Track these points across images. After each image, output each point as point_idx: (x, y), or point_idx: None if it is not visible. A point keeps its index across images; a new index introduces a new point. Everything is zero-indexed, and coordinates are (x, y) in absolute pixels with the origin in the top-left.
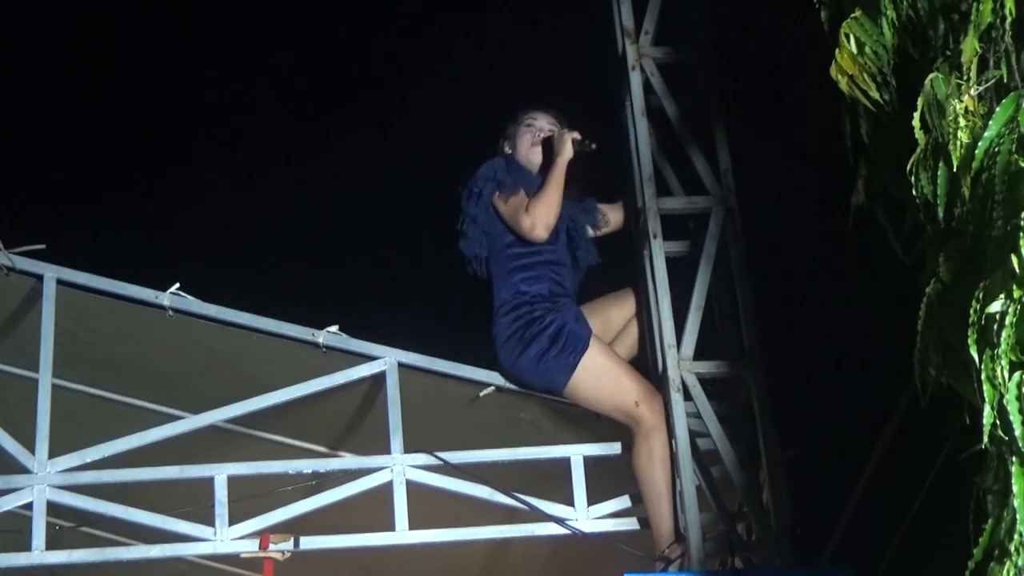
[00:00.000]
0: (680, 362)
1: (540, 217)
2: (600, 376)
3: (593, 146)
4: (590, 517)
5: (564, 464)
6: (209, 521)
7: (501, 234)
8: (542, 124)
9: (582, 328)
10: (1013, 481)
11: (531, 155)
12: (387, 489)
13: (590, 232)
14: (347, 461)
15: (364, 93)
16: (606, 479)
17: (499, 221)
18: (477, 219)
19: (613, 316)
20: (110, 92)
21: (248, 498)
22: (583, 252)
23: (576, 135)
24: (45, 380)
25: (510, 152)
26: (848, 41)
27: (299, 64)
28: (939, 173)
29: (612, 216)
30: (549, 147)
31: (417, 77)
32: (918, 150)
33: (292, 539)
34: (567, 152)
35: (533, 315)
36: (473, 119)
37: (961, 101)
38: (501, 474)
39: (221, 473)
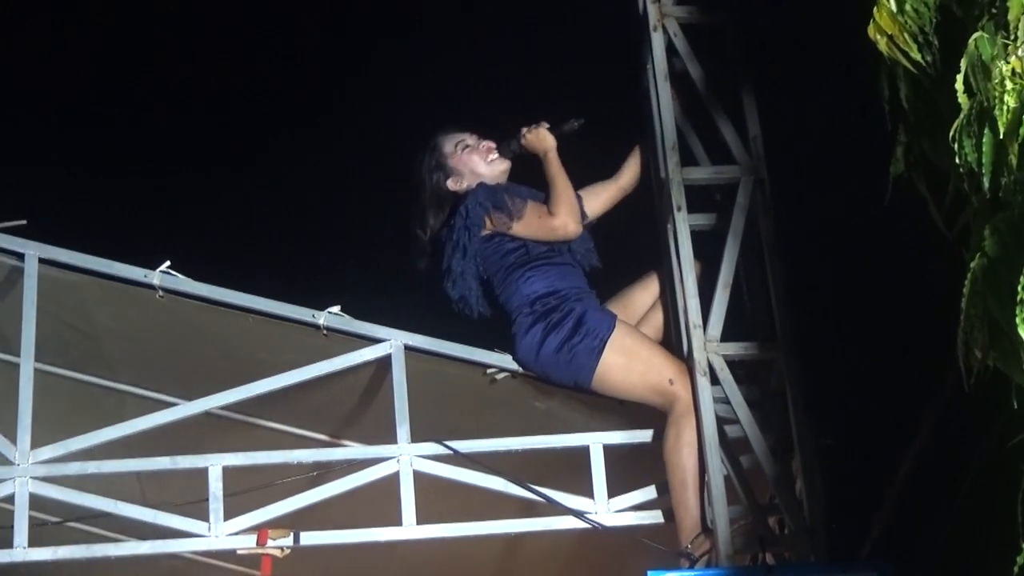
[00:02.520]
0: (706, 343)
1: (567, 213)
2: (631, 356)
3: (581, 120)
4: (611, 510)
5: (583, 453)
6: (203, 515)
7: (496, 254)
8: (470, 140)
9: (606, 313)
10: None
11: (493, 169)
12: (393, 481)
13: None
14: (350, 451)
15: (365, 63)
16: (628, 469)
17: (490, 243)
18: (467, 255)
19: (636, 298)
20: (96, 64)
21: (245, 490)
22: (582, 253)
23: (545, 124)
24: (27, 365)
25: (458, 185)
26: None
27: (300, 34)
28: (984, 140)
29: (594, 200)
30: (505, 155)
31: (420, 43)
32: (961, 115)
33: (292, 534)
34: (551, 144)
35: (550, 305)
36: (481, 87)
37: (1008, 62)
38: (515, 464)
39: (216, 464)
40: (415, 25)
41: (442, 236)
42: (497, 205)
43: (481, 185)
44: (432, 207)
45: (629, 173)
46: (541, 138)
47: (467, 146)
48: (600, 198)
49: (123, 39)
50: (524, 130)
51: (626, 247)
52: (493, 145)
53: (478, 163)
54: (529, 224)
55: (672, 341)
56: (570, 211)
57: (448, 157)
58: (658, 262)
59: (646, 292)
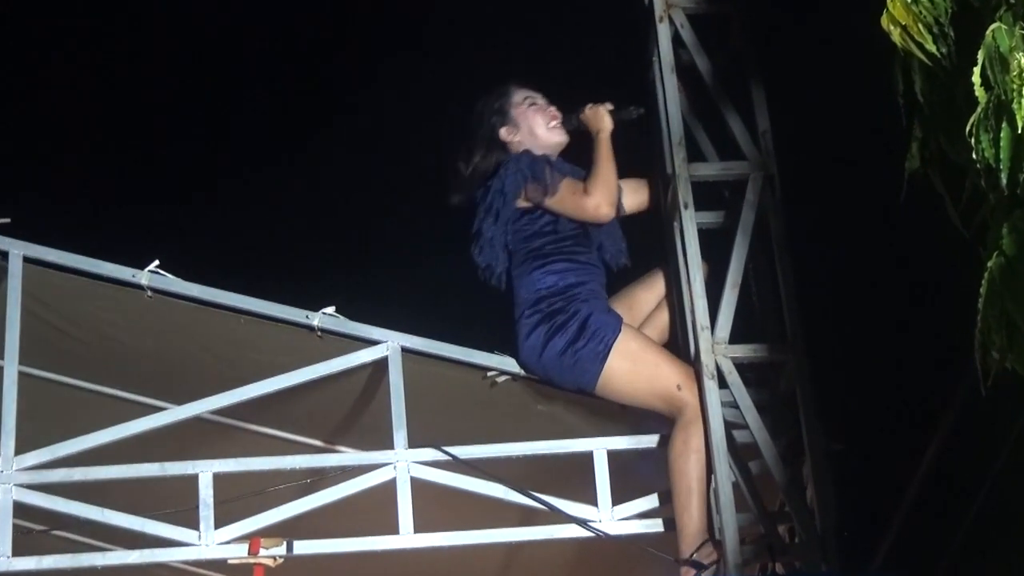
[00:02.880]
0: (714, 346)
1: (603, 195)
2: (636, 361)
3: (641, 110)
4: (615, 518)
5: (586, 459)
6: (193, 523)
7: (523, 232)
8: (540, 100)
9: (612, 316)
10: None
11: (551, 137)
12: (390, 487)
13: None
14: (345, 457)
15: (363, 64)
16: (633, 476)
17: (522, 220)
18: (498, 221)
19: (640, 298)
20: (85, 57)
21: (236, 498)
22: (612, 253)
23: (609, 105)
24: (11, 368)
25: (512, 136)
26: None
27: (296, 30)
28: (1002, 135)
29: (630, 197)
30: (566, 128)
31: (417, 40)
32: (979, 109)
33: (285, 543)
34: (607, 126)
35: (555, 306)
36: (480, 82)
37: None
38: (516, 470)
39: (206, 470)
40: (413, 26)
41: (476, 197)
42: (536, 176)
43: (526, 152)
44: (481, 147)
45: None
46: (599, 117)
47: (535, 104)
48: (638, 194)
49: (112, 33)
50: (588, 105)
51: (630, 246)
52: (559, 114)
53: (539, 124)
54: (563, 199)
55: (679, 343)
56: (606, 193)
57: (513, 106)
58: (663, 261)
59: (650, 292)
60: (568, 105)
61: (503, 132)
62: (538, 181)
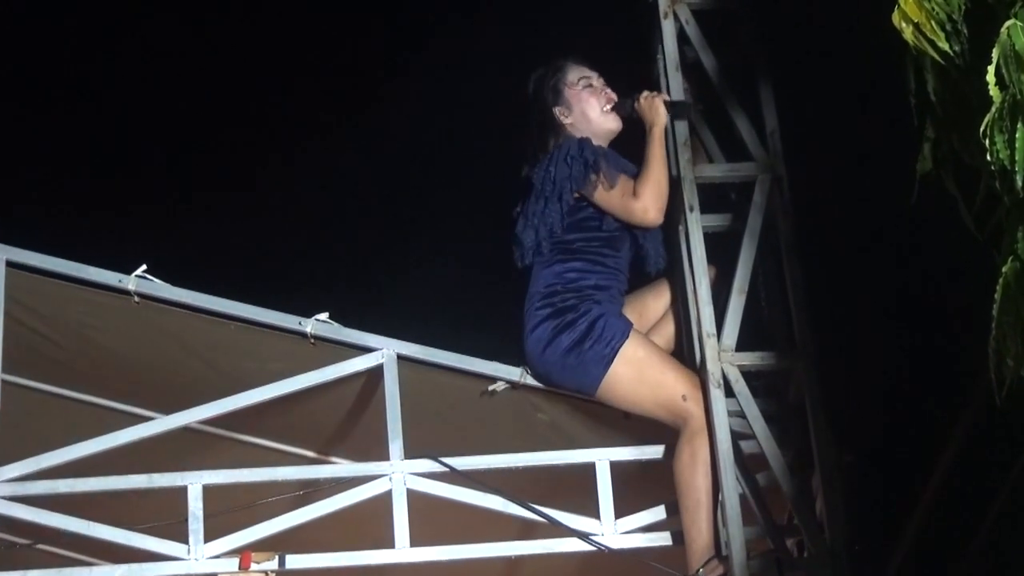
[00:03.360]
0: (721, 353)
1: (652, 200)
2: (642, 369)
3: (696, 107)
4: (618, 531)
5: (588, 470)
6: (182, 537)
7: (567, 221)
8: (596, 82)
9: (622, 320)
10: None
11: (605, 122)
12: (385, 499)
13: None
14: (339, 468)
15: (359, 69)
16: (636, 487)
17: (570, 212)
18: (548, 208)
19: (649, 305)
20: (74, 60)
21: (227, 510)
22: (654, 257)
23: (665, 96)
24: None
25: (566, 118)
26: None
27: (291, 39)
28: (1017, 135)
29: None
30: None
31: (416, 45)
32: (993, 109)
33: (277, 557)
34: (662, 119)
35: (568, 303)
36: (479, 90)
37: None
38: (516, 482)
39: (196, 482)
40: (412, 30)
41: (532, 175)
42: (593, 167)
43: (582, 140)
44: (535, 126)
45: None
46: (655, 108)
47: (590, 85)
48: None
49: (101, 35)
50: (645, 93)
51: None
52: (615, 97)
53: (593, 107)
54: (612, 198)
55: (684, 350)
56: (656, 197)
57: (568, 86)
58: (669, 266)
59: (659, 299)
60: (624, 89)
61: (557, 112)
62: (595, 173)
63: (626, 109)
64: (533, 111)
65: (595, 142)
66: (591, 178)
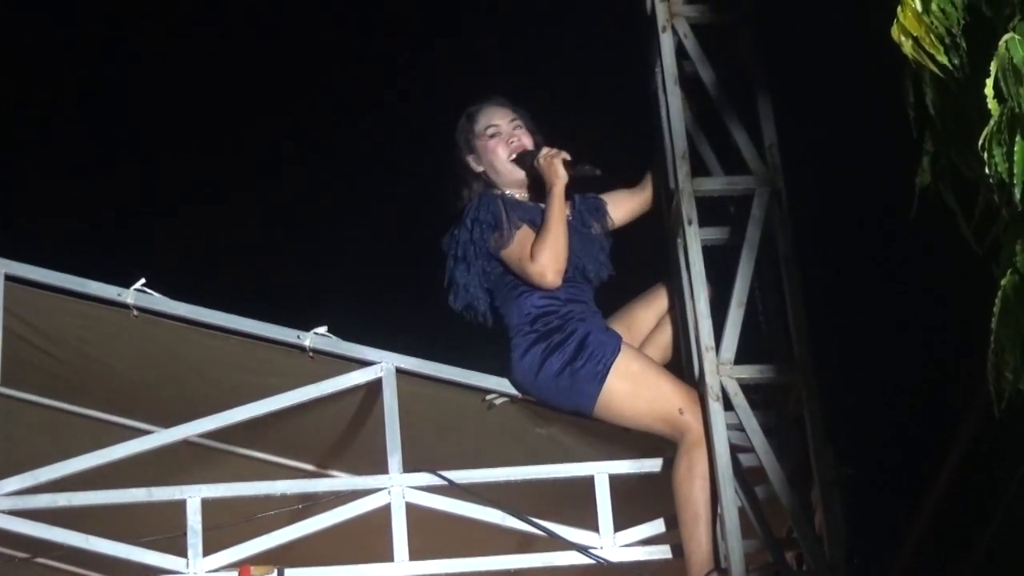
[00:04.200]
0: (719, 366)
1: (548, 263)
2: (637, 382)
3: (597, 172)
4: (617, 544)
5: (587, 483)
6: (181, 551)
7: (498, 268)
8: (504, 128)
9: (610, 335)
10: None
11: (512, 172)
12: (384, 513)
13: (599, 232)
14: (338, 482)
15: (359, 80)
16: (636, 501)
17: (494, 260)
18: (470, 268)
19: (639, 316)
20: (72, 71)
21: (226, 524)
22: (595, 269)
23: (565, 155)
24: None
25: (479, 168)
26: None
27: (291, 45)
28: (1016, 148)
29: (619, 208)
30: (526, 164)
31: (414, 62)
32: (991, 122)
33: (276, 571)
34: (561, 180)
35: (551, 325)
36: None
37: None
38: (515, 495)
39: (195, 496)
40: (411, 37)
41: (444, 245)
42: (495, 227)
43: (485, 195)
44: (456, 178)
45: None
46: (553, 169)
47: (497, 133)
48: (624, 207)
49: (99, 45)
50: (544, 151)
51: (630, 263)
52: (525, 144)
53: (498, 157)
54: (511, 259)
55: (682, 364)
56: (552, 259)
57: (476, 136)
58: (665, 278)
59: (650, 310)
60: (550, 128)
61: (469, 161)
62: (496, 232)
63: (526, 163)
64: (451, 160)
65: (509, 190)
66: (492, 239)
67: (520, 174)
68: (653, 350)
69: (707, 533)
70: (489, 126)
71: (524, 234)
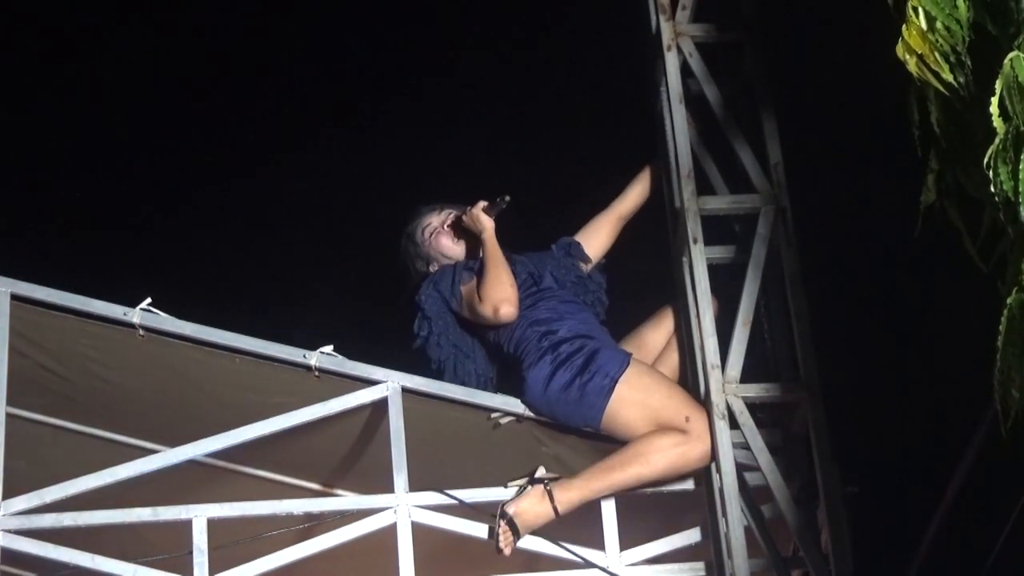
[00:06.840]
0: (725, 385)
1: (494, 297)
2: (646, 396)
3: (506, 199)
4: (623, 563)
5: (593, 502)
6: (187, 570)
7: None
8: (435, 222)
9: (620, 351)
10: None
11: (459, 249)
12: (390, 532)
13: (584, 269)
14: (344, 501)
15: (363, 94)
16: (641, 519)
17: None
18: (446, 342)
19: (648, 338)
20: (73, 93)
21: (231, 544)
22: (591, 303)
23: (482, 203)
24: None
25: (432, 267)
26: (917, 15)
27: (293, 59)
28: (1021, 167)
29: (594, 239)
30: (464, 231)
31: (423, 75)
32: (996, 140)
33: None
34: (487, 225)
35: (559, 337)
36: (482, 117)
37: None
38: None
39: (200, 515)
40: (410, 46)
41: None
42: (450, 290)
43: (438, 271)
44: (418, 286)
45: (630, 199)
46: (477, 220)
47: (434, 230)
48: (599, 236)
49: (97, 70)
50: (466, 210)
51: (636, 283)
52: (451, 219)
53: (444, 246)
54: (470, 311)
55: (688, 383)
56: (497, 293)
57: (422, 246)
58: (671, 298)
59: (658, 331)
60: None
61: (429, 269)
62: (452, 297)
63: (459, 228)
64: (409, 277)
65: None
66: (452, 303)
67: (461, 249)
68: (663, 370)
69: (607, 486)
70: (425, 228)
71: (468, 288)
